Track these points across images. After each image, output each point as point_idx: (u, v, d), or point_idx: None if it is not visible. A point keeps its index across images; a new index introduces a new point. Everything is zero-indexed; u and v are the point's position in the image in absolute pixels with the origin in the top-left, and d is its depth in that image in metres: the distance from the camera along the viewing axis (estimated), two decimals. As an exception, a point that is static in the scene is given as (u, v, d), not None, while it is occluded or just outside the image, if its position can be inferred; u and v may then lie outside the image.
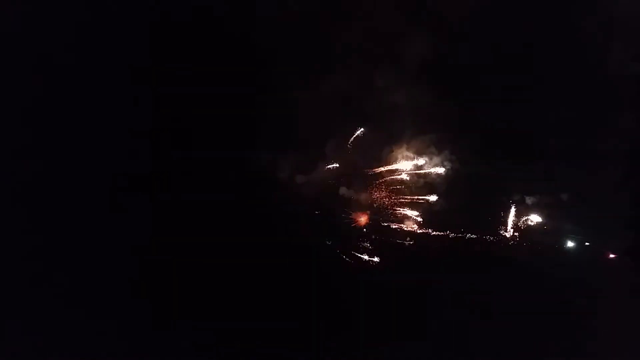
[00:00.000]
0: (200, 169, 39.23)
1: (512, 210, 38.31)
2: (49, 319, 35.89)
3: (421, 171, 39.95)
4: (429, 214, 39.59)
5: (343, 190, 40.45)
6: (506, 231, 38.24)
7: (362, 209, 40.33)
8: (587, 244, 36.40)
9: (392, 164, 40.18)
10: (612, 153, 34.16)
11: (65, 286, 36.73)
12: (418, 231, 39.52)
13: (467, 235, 38.78)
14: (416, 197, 40.04)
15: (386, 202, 40.37)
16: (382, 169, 40.40)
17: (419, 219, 39.63)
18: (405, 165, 39.99)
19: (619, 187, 30.59)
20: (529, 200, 38.30)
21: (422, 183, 40.04)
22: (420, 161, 39.82)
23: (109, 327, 35.66)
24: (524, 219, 38.17)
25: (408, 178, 40.17)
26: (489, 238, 38.47)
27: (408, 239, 39.44)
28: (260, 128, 39.93)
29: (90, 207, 38.27)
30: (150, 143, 39.69)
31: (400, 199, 40.29)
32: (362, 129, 40.26)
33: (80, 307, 36.02)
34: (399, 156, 39.99)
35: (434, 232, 39.37)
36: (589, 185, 36.03)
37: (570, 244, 37.15)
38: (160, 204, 38.15)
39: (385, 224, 40.01)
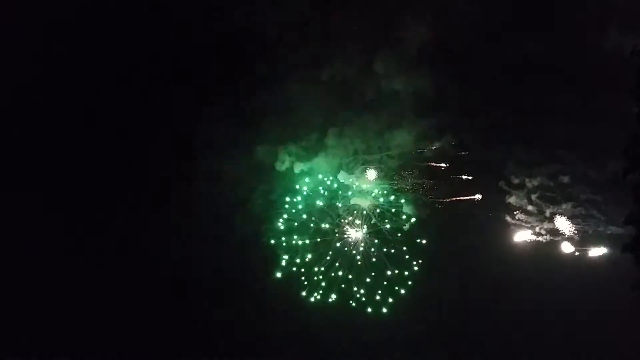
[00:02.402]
0: (197, 161, 39.27)
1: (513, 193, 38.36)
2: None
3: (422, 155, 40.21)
4: (429, 198, 39.85)
5: (342, 176, 40.39)
6: (507, 214, 38.50)
7: (363, 195, 40.50)
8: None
9: (393, 149, 40.10)
10: (611, 140, 33.74)
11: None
12: (418, 215, 39.92)
13: (468, 219, 39.16)
14: (417, 182, 40.27)
15: (386, 188, 40.53)
16: (382, 154, 40.25)
17: (419, 203, 39.96)
18: (405, 150, 39.96)
19: (618, 181, 30.34)
20: (529, 183, 38.13)
21: (423, 167, 40.18)
22: (422, 146, 39.89)
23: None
24: (524, 203, 38.25)
25: (409, 163, 40.29)
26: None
27: (407, 224, 39.71)
28: (258, 119, 39.65)
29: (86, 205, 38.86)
30: (146, 136, 39.65)
31: (400, 183, 40.48)
32: (362, 116, 39.99)
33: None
34: (400, 141, 39.86)
35: (434, 216, 39.73)
36: (590, 169, 35.92)
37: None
38: (155, 199, 38.42)
39: (385, 209, 40.32)
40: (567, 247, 37.36)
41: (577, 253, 37.01)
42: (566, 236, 37.42)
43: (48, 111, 39.30)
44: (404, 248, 39.31)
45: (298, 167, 39.74)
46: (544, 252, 37.57)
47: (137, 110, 39.65)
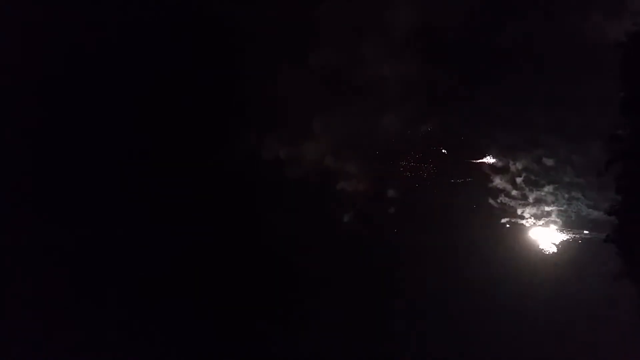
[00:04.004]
0: (184, 150, 39.19)
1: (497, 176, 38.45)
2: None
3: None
4: (415, 180, 40.03)
5: (329, 160, 40.22)
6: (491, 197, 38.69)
7: (350, 178, 40.45)
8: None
9: (380, 133, 39.82)
10: (594, 127, 33.80)
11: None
12: (404, 197, 39.97)
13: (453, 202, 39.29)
14: (403, 164, 40.33)
15: (374, 171, 40.47)
16: (370, 138, 40.12)
17: (406, 186, 40.06)
18: (392, 133, 39.82)
19: (601, 172, 30.44)
20: (513, 166, 38.17)
21: (409, 150, 40.27)
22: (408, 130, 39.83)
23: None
24: (508, 186, 38.38)
25: (395, 147, 40.34)
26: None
27: (392, 208, 39.85)
28: (245, 106, 39.50)
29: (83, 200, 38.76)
30: (134, 126, 39.31)
31: (387, 167, 40.54)
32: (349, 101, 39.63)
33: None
34: (387, 125, 39.57)
35: (420, 199, 39.81)
36: (574, 154, 35.99)
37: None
38: (146, 190, 38.42)
39: (372, 192, 40.32)
40: (550, 232, 37.55)
41: (564, 237, 37.19)
42: (549, 219, 37.67)
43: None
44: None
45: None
46: (526, 236, 37.87)
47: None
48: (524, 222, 38.05)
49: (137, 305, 37.04)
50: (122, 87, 38.87)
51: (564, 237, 37.11)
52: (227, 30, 38.73)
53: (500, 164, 38.38)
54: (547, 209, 37.53)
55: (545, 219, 37.62)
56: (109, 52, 38.91)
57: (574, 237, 36.77)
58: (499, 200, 38.49)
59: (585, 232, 36.52)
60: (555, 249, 37.08)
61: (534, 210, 37.80)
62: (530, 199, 37.82)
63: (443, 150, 40.03)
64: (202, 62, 39.06)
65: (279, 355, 36.13)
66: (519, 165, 37.93)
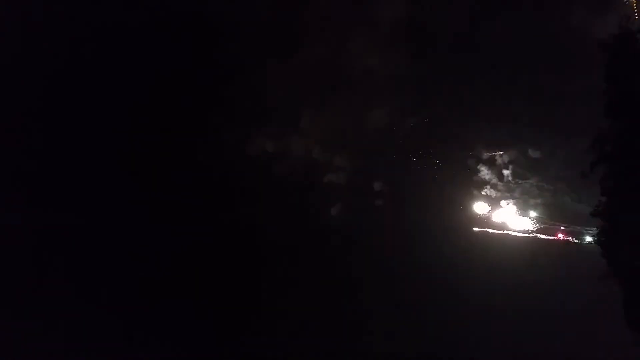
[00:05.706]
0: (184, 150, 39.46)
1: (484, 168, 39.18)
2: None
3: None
4: (402, 173, 40.66)
5: (317, 152, 40.80)
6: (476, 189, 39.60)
7: (337, 171, 41.06)
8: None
9: (367, 126, 40.25)
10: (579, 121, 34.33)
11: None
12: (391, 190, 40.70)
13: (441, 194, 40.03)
14: (391, 157, 40.99)
15: (361, 164, 40.99)
16: (357, 131, 40.39)
17: (393, 178, 40.69)
18: (379, 126, 40.22)
19: (585, 174, 31.10)
20: (499, 158, 38.84)
21: (396, 143, 40.78)
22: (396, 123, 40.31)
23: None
24: (493, 178, 39.18)
25: (382, 139, 40.62)
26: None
27: (380, 200, 40.49)
28: (232, 102, 39.43)
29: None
30: (126, 122, 39.54)
31: (374, 159, 41.02)
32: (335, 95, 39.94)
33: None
34: (374, 118, 40.04)
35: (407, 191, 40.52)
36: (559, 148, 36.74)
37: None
38: (145, 191, 38.95)
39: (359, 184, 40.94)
40: (535, 224, 38.36)
41: (549, 231, 37.74)
42: (535, 212, 38.40)
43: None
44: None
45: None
46: (512, 229, 38.37)
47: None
48: (510, 214, 38.69)
49: (136, 305, 37.51)
50: (119, 87, 38.95)
51: (549, 229, 37.71)
52: (216, 27, 38.75)
53: (487, 156, 39.01)
54: (532, 201, 38.18)
55: (531, 211, 38.27)
56: (105, 51, 39.18)
57: (560, 228, 37.49)
58: (484, 193, 39.22)
59: (569, 224, 37.40)
60: (539, 244, 37.57)
61: (520, 203, 38.49)
62: (517, 193, 38.53)
63: (430, 144, 40.45)
64: (197, 61, 39.30)
65: (278, 354, 36.81)
66: (506, 158, 38.64)
